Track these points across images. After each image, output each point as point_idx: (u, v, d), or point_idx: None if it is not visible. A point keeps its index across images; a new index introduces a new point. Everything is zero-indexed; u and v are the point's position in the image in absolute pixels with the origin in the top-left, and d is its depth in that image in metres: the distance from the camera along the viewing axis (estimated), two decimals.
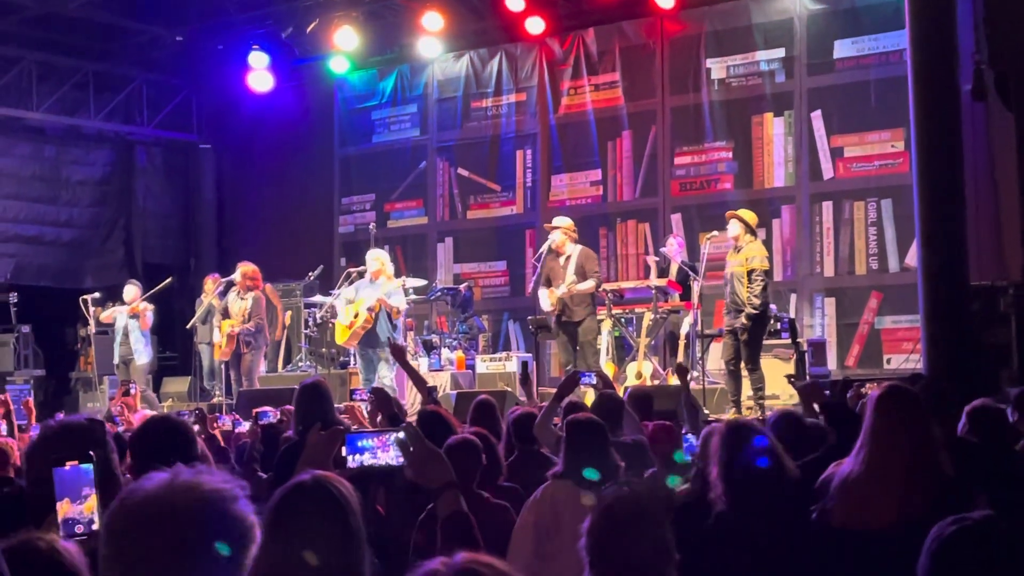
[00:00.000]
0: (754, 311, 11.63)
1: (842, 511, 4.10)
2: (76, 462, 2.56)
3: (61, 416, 3.31)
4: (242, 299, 14.24)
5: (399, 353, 8.30)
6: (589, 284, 12.69)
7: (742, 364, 11.88)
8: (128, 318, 14.91)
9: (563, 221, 13.14)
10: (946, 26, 10.49)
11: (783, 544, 4.14)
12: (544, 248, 13.30)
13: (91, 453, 2.59)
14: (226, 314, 14.39)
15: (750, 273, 11.70)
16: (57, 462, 2.57)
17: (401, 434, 3.07)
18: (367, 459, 3.12)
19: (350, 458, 3.13)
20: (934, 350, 10.18)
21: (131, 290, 15.16)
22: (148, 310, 15.03)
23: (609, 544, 2.95)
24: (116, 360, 15.09)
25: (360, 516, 2.66)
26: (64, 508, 2.55)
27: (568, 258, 12.86)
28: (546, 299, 12.89)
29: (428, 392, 7.33)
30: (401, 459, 3.05)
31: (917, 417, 4.17)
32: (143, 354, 14.93)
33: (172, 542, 1.95)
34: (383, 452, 3.11)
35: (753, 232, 12.04)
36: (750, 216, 12.16)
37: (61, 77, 18.12)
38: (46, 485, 2.69)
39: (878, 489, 4.03)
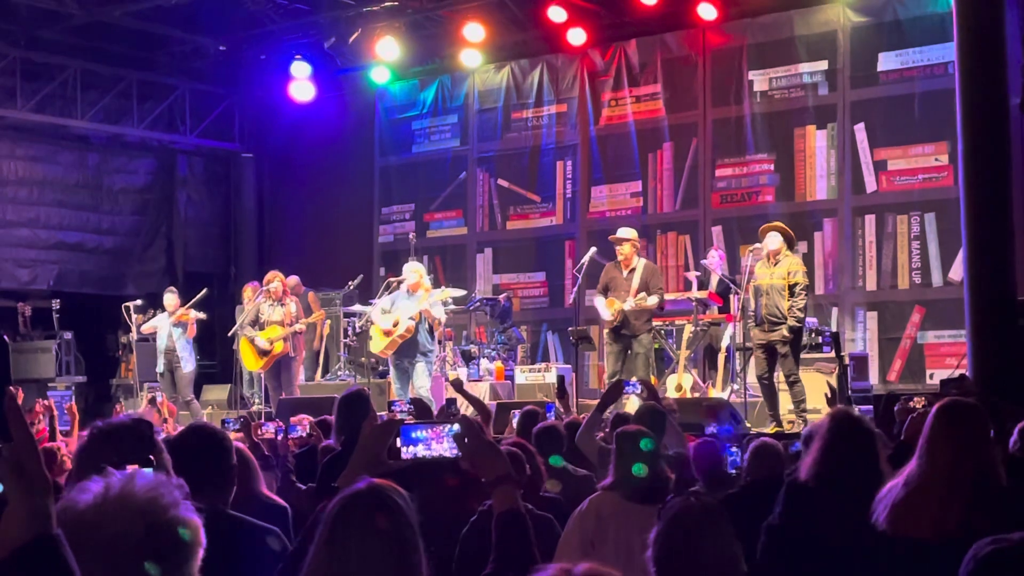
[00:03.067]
0: (798, 324, 11.59)
1: (894, 517, 4.06)
2: (136, 466, 2.56)
3: (121, 414, 3.30)
4: (283, 305, 14.25)
5: (458, 386, 8.26)
6: (654, 301, 12.57)
7: (777, 377, 11.81)
8: (172, 326, 14.89)
9: (629, 233, 12.99)
10: (994, 38, 10.41)
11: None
12: (585, 259, 13.27)
13: (151, 457, 2.59)
14: (256, 324, 14.31)
15: (793, 287, 11.62)
16: (117, 465, 2.57)
17: (456, 426, 3.06)
18: (421, 451, 3.11)
19: (404, 449, 3.11)
20: (980, 365, 10.08)
21: (171, 298, 15.14)
22: (196, 319, 14.98)
23: (677, 554, 2.93)
24: (160, 368, 15.00)
25: (417, 524, 2.64)
26: None
27: (633, 271, 12.75)
28: (605, 308, 12.69)
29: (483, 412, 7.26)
30: (456, 451, 3.04)
31: (979, 431, 4.12)
32: (188, 362, 14.89)
33: (107, 558, 1.89)
34: (437, 444, 3.10)
35: (793, 244, 12.02)
36: (788, 230, 12.12)
37: (105, 86, 18.28)
38: None
39: (934, 500, 4.00)
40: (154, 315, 17.23)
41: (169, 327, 14.86)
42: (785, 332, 11.54)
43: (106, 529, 1.91)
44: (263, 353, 14.20)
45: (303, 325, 14.28)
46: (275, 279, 14.40)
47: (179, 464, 3.80)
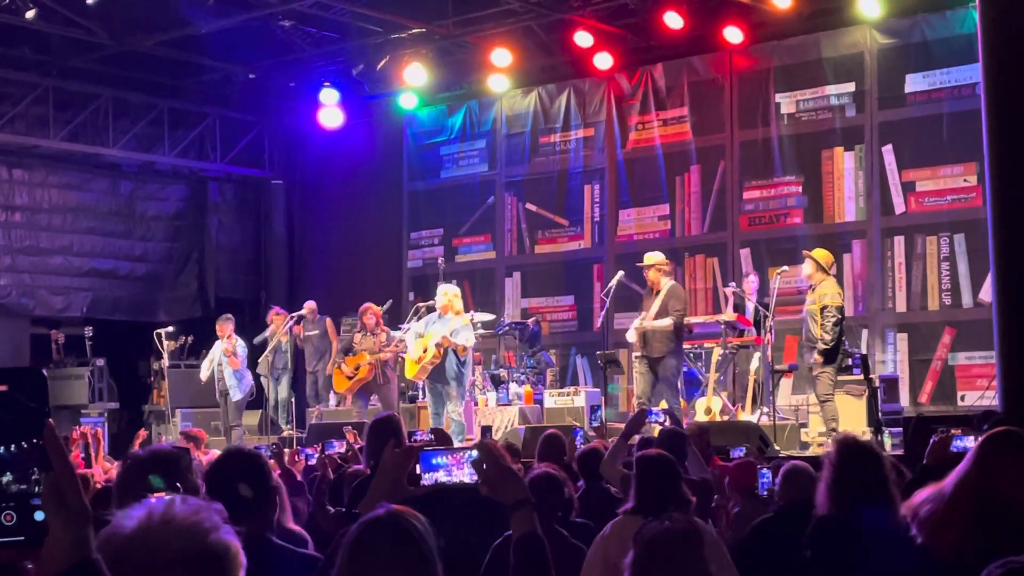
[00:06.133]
0: (824, 346, 11.66)
1: (926, 531, 4.06)
2: (163, 494, 2.60)
3: (163, 441, 3.37)
4: (375, 335, 14.47)
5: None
6: (666, 322, 12.63)
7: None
8: (223, 355, 15.23)
9: (651, 259, 13.08)
10: (1020, 58, 10.36)
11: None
12: (613, 283, 13.29)
13: (177, 484, 2.63)
14: (349, 351, 14.60)
15: (822, 310, 11.73)
16: (144, 494, 2.62)
17: (475, 453, 3.08)
18: (441, 476, 3.13)
19: (424, 475, 3.13)
20: (1010, 387, 10.00)
21: (221, 324, 15.43)
22: (237, 347, 15.27)
23: None
24: (217, 393, 15.48)
25: (436, 550, 2.67)
26: None
27: (658, 293, 12.86)
28: (632, 331, 12.90)
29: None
30: (476, 477, 3.07)
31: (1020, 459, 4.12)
32: (237, 389, 15.20)
33: None
34: (458, 469, 3.12)
35: (825, 270, 12.06)
36: (822, 255, 12.23)
37: (137, 114, 18.48)
38: None
39: (957, 516, 4.00)
40: (185, 341, 17.48)
41: (220, 354, 15.15)
42: (816, 355, 11.67)
43: (154, 554, 1.95)
44: (349, 378, 14.59)
45: (387, 354, 14.47)
46: (368, 311, 14.59)
47: (217, 488, 3.85)
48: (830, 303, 11.84)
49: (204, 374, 15.59)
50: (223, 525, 2.02)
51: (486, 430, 12.72)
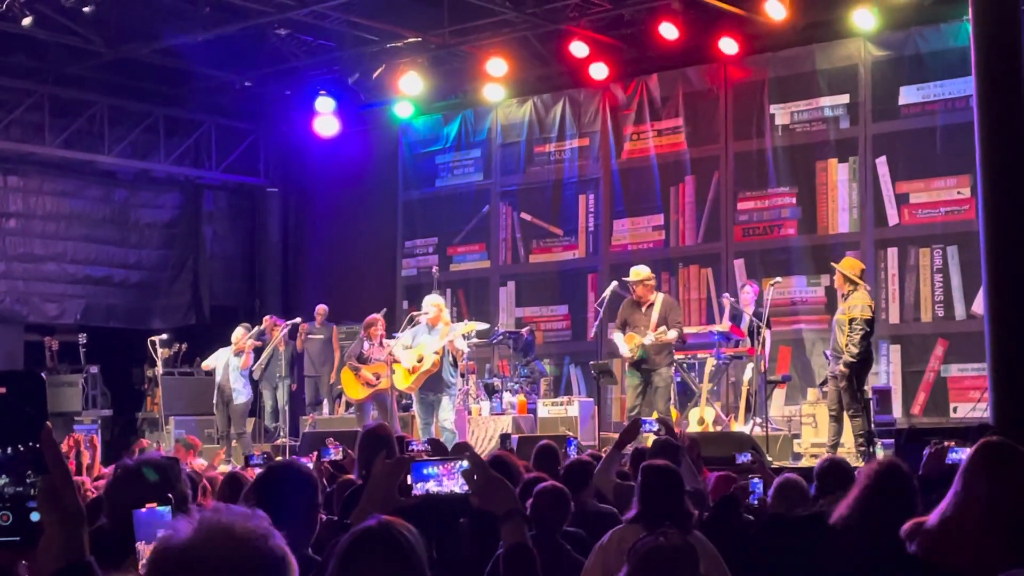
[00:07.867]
0: (851, 359, 11.71)
1: (929, 545, 4.07)
2: (154, 504, 2.62)
3: (152, 450, 3.39)
4: (383, 345, 14.44)
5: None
6: (674, 334, 12.70)
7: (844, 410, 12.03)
8: (232, 355, 15.15)
9: (639, 274, 13.10)
10: (1013, 71, 10.42)
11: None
12: (606, 293, 13.32)
13: (169, 496, 2.65)
14: (359, 359, 14.44)
15: (851, 321, 11.78)
16: (136, 504, 2.63)
17: (466, 463, 3.09)
18: (432, 487, 3.14)
19: (416, 486, 3.14)
20: (1001, 399, 10.03)
21: (239, 331, 15.41)
22: (252, 347, 15.26)
23: None
24: (215, 399, 15.28)
25: (426, 561, 2.68)
26: (144, 549, 2.60)
27: (651, 306, 12.85)
28: (623, 344, 12.85)
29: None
30: (467, 488, 3.08)
31: (1019, 470, 4.13)
32: (241, 394, 15.14)
33: None
34: (449, 480, 3.13)
35: (853, 281, 12.07)
36: (849, 265, 12.29)
37: (132, 122, 18.49)
38: (124, 524, 2.75)
39: (972, 531, 4.01)
40: (179, 348, 17.46)
41: (228, 358, 15.12)
42: (841, 367, 11.72)
43: (216, 563, 1.95)
44: (369, 384, 14.24)
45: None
46: (379, 323, 14.52)
47: (262, 501, 3.85)
48: (859, 315, 11.83)
49: (209, 365, 15.58)
50: (274, 531, 2.03)
51: (505, 438, 12.76)
